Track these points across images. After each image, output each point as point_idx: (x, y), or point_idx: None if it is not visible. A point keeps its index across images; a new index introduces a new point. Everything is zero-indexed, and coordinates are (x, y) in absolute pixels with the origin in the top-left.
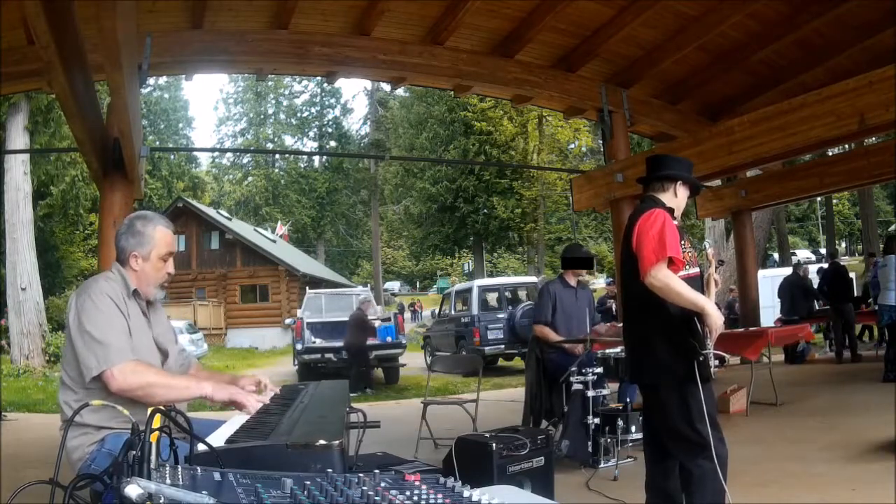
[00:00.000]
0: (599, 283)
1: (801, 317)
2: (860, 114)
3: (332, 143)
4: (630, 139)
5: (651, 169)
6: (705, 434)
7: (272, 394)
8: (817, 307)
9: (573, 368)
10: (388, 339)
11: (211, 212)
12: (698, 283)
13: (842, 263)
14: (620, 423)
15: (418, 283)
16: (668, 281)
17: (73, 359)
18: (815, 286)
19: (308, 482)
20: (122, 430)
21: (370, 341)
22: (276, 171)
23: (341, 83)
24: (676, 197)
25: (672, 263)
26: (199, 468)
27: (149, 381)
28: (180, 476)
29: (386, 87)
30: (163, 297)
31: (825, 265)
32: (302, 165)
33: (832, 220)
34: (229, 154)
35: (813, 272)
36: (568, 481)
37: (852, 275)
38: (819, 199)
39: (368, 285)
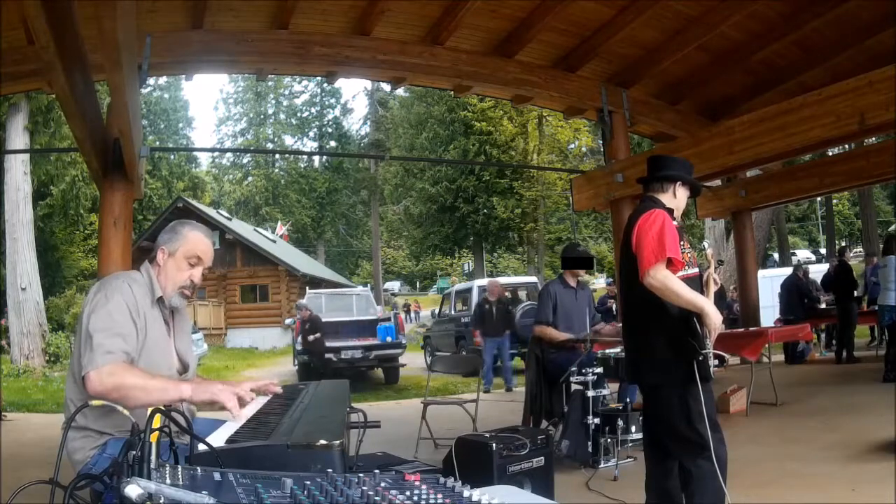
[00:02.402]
0: (599, 283)
1: (797, 317)
2: (860, 114)
3: (332, 143)
4: (630, 139)
5: (651, 169)
6: (705, 434)
7: (265, 399)
8: (821, 307)
9: (573, 368)
10: (388, 339)
11: (211, 212)
12: (697, 283)
13: (848, 263)
14: (620, 423)
15: (418, 283)
16: (666, 281)
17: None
18: (821, 284)
19: (308, 482)
20: (125, 436)
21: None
22: (276, 171)
23: (341, 83)
24: (676, 197)
25: (671, 264)
26: (199, 468)
27: (123, 382)
28: (180, 476)
29: (386, 87)
30: (186, 305)
31: (834, 262)
32: (302, 165)
33: (832, 220)
34: (229, 154)
35: (815, 272)
36: (568, 481)
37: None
38: (819, 199)
39: (368, 285)
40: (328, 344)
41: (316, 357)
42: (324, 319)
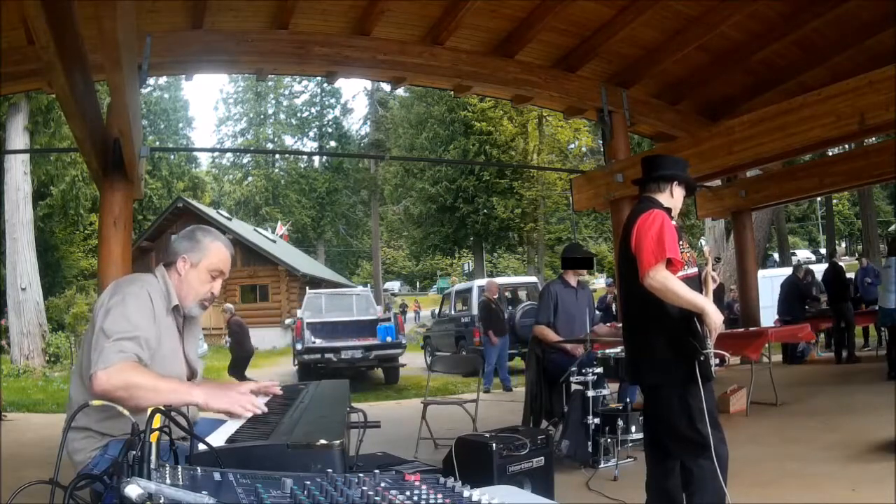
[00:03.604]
0: (599, 283)
1: (794, 318)
2: (860, 114)
3: (332, 143)
4: (630, 139)
5: (646, 170)
6: (706, 434)
7: (265, 399)
8: (817, 308)
9: (573, 368)
10: (388, 339)
11: (211, 212)
12: (697, 282)
13: (839, 264)
14: (620, 423)
15: (418, 283)
16: (666, 282)
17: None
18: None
19: (308, 482)
20: (126, 437)
21: (371, 341)
22: (276, 171)
23: (341, 83)
24: (673, 197)
25: (671, 264)
26: (199, 468)
27: (132, 381)
28: (180, 476)
29: (386, 87)
30: (202, 314)
31: (827, 264)
32: (302, 165)
33: (832, 220)
34: (229, 154)
35: (815, 272)
36: (568, 481)
37: (850, 275)
38: (819, 199)
39: (368, 285)
40: (329, 344)
41: (237, 364)
42: (324, 319)
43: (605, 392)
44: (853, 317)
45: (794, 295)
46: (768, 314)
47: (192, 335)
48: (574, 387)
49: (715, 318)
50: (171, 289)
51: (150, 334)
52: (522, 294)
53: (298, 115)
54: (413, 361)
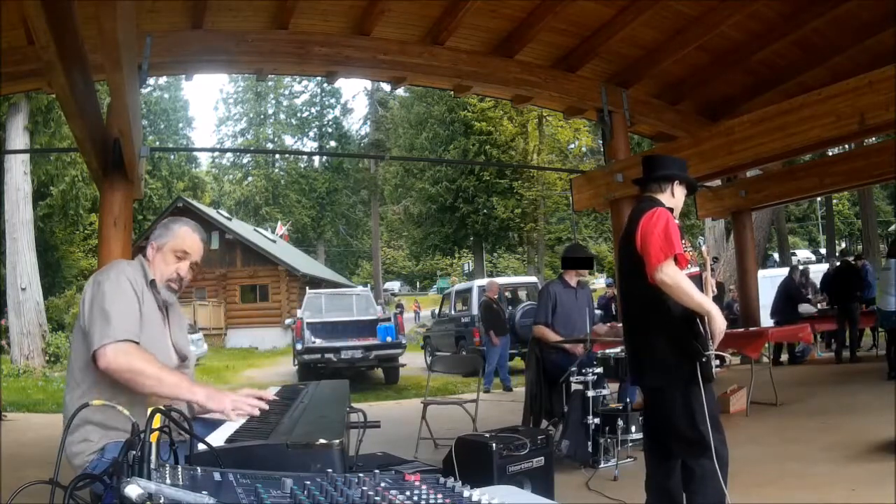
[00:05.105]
0: (599, 283)
1: (783, 320)
2: (860, 114)
3: (332, 143)
4: (630, 139)
5: (647, 169)
6: (707, 435)
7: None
8: (810, 310)
9: (573, 368)
10: (388, 339)
11: (211, 212)
12: (697, 282)
13: (854, 263)
14: (620, 423)
15: (418, 283)
16: (678, 279)
17: (82, 343)
18: (820, 285)
19: (308, 482)
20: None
21: (371, 341)
22: (276, 171)
23: (341, 83)
24: (674, 196)
25: (677, 261)
26: (199, 468)
27: (138, 367)
28: (180, 476)
29: (386, 87)
30: (176, 299)
31: (837, 263)
32: (302, 165)
33: (832, 220)
34: (229, 154)
35: (815, 271)
36: (568, 481)
37: None
38: (819, 199)
39: (368, 285)
40: (329, 344)
41: None
42: (324, 319)
43: (605, 392)
44: (859, 317)
45: (785, 297)
46: (768, 314)
47: (178, 323)
48: (574, 387)
49: (719, 322)
50: (146, 268)
51: (139, 312)
52: (522, 294)
53: (298, 115)
54: (413, 361)
